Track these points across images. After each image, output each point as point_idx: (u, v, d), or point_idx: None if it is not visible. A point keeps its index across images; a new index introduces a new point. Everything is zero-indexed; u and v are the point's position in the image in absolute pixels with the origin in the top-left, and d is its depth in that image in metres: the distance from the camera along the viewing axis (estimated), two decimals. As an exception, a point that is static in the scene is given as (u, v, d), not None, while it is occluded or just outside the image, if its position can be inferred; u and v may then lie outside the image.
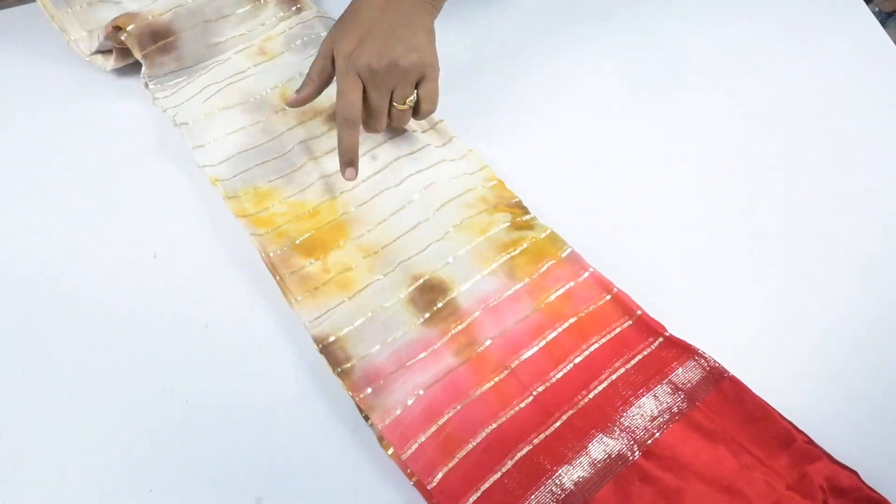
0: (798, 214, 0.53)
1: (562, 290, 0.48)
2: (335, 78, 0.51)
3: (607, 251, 0.50)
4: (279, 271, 0.49)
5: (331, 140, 0.57)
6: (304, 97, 0.52)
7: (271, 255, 0.50)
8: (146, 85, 0.60)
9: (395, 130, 0.57)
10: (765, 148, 0.57)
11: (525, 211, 0.53)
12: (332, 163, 0.55)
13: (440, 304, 0.47)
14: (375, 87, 0.50)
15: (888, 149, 0.57)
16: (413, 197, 0.53)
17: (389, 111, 0.52)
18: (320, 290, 0.48)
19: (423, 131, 0.58)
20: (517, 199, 0.54)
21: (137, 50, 0.59)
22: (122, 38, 0.59)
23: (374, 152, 0.56)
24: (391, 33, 0.50)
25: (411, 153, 0.56)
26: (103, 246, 0.51)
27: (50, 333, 0.47)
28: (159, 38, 0.60)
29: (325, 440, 0.43)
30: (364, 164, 0.54)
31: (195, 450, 0.43)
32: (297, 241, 0.51)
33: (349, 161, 0.51)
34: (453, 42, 0.62)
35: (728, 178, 0.55)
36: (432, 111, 0.53)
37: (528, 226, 0.52)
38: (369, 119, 0.52)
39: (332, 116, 0.58)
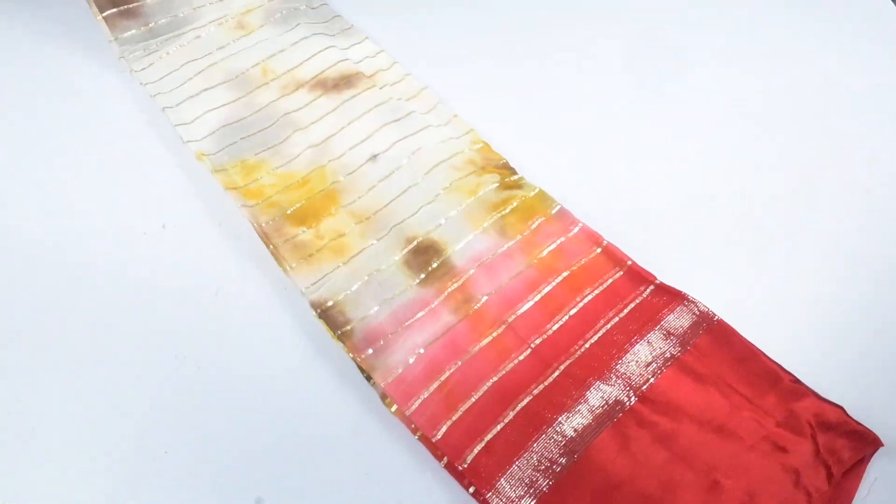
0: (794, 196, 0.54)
1: (553, 246, 0.49)
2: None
3: (596, 208, 0.51)
4: (272, 240, 0.49)
5: (314, 110, 0.57)
6: None
7: (263, 224, 0.50)
8: (121, 56, 0.59)
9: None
10: (764, 129, 0.58)
11: (513, 171, 0.54)
12: (319, 132, 0.55)
13: (435, 265, 0.48)
14: None
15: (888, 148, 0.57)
16: (401, 163, 0.53)
17: None
18: (315, 257, 0.48)
19: (408, 99, 0.58)
20: (504, 161, 0.54)
21: (96, 10, 0.59)
22: None
23: (360, 121, 0.56)
24: None
25: (396, 120, 0.56)
26: (113, 217, 0.51)
27: (62, 303, 0.47)
28: (120, 3, 0.60)
29: (330, 399, 0.44)
30: (350, 133, 0.55)
31: (208, 412, 0.43)
32: (289, 211, 0.51)
33: None
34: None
35: (724, 158, 0.56)
36: None
37: (517, 185, 0.53)
38: None
39: (315, 86, 0.58)
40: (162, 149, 0.55)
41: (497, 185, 0.52)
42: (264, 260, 0.49)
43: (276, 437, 0.42)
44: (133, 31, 0.60)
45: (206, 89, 0.58)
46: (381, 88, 0.59)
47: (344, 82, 0.59)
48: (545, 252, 0.49)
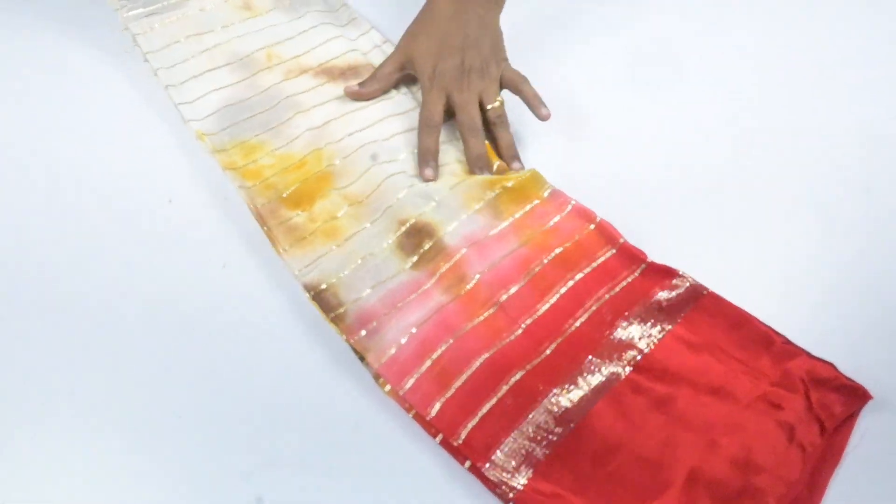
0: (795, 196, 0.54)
1: (547, 226, 0.50)
2: (421, 104, 0.55)
3: (589, 186, 0.52)
4: (267, 222, 0.50)
5: (318, 95, 0.58)
6: (367, 93, 0.57)
7: (259, 206, 0.51)
8: (118, 8, 0.60)
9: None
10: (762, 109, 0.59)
11: None
12: (320, 115, 0.56)
13: (427, 246, 0.48)
14: (461, 92, 0.54)
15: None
16: (399, 156, 0.54)
17: (484, 115, 0.54)
18: (307, 240, 0.49)
19: (415, 94, 0.59)
20: None
21: None
22: None
23: (363, 110, 0.57)
24: (466, 42, 0.54)
25: (402, 112, 0.57)
26: (120, 192, 0.53)
27: (69, 280, 0.48)
28: None
29: (326, 378, 0.45)
30: (351, 120, 0.56)
31: (216, 380, 0.44)
32: (284, 195, 0.52)
33: (427, 162, 0.53)
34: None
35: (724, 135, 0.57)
36: (525, 79, 0.55)
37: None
38: (468, 134, 0.53)
39: (320, 73, 0.59)
40: (167, 125, 0.57)
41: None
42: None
43: (274, 415, 0.43)
44: None
45: (209, 70, 0.58)
46: None
47: (351, 72, 0.59)
48: (538, 232, 0.49)
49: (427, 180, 0.52)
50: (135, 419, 0.42)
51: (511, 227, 0.50)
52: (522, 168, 0.53)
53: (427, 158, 0.53)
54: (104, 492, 0.40)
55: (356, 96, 0.57)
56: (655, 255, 0.48)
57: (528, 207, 0.51)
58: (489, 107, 0.54)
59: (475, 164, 0.53)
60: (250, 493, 0.40)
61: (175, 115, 0.56)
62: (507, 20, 0.57)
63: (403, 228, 0.49)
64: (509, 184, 0.52)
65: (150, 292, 0.47)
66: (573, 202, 0.51)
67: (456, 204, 0.51)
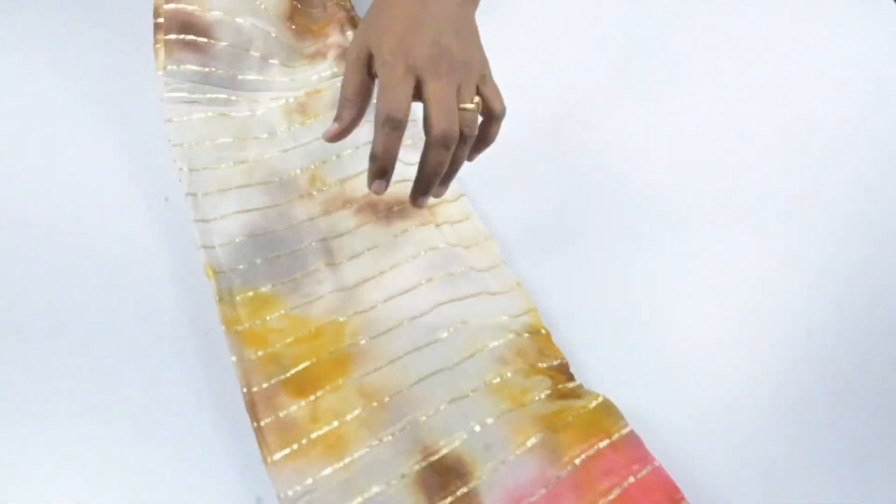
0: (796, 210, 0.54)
1: (615, 493, 0.37)
2: (378, 91, 0.40)
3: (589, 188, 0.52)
4: (259, 415, 0.39)
5: (355, 240, 0.48)
6: (344, 125, 0.42)
7: (255, 390, 0.40)
8: (168, 91, 0.51)
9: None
10: (763, 146, 0.57)
11: (570, 377, 0.43)
12: (352, 271, 0.46)
13: (459, 493, 0.37)
14: (438, 78, 0.39)
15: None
16: (440, 335, 0.43)
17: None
18: (302, 450, 0.38)
19: (467, 247, 0.48)
20: (561, 360, 0.44)
21: (162, 32, 0.51)
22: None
23: (405, 267, 0.46)
24: (442, 25, 0.40)
25: (450, 274, 0.46)
26: (116, 190, 0.51)
27: (66, 278, 0.46)
28: (190, 31, 0.52)
29: None
30: (389, 281, 0.45)
31: (215, 379, 0.43)
32: (289, 373, 0.41)
33: (381, 171, 0.40)
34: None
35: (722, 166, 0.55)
36: (504, 111, 0.42)
37: (574, 394, 0.41)
38: (439, 141, 0.39)
39: (364, 208, 0.49)
40: (163, 123, 0.53)
41: (548, 392, 0.41)
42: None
43: None
44: (190, 66, 0.52)
45: (241, 186, 0.49)
46: (438, 226, 0.49)
47: (398, 210, 0.49)
48: (602, 501, 0.37)
49: (376, 193, 0.40)
50: (134, 418, 0.42)
51: (569, 483, 0.37)
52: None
53: (382, 166, 0.40)
54: (104, 491, 0.39)
55: (335, 137, 0.42)
56: (655, 255, 0.49)
57: (592, 451, 0.39)
58: (461, 106, 0.40)
59: (429, 184, 0.41)
60: (250, 493, 0.39)
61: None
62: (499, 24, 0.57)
63: (429, 459, 0.38)
64: (570, 419, 0.40)
65: (146, 290, 0.46)
66: (656, 463, 0.38)
67: (500, 438, 0.39)
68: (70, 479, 0.39)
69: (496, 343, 0.43)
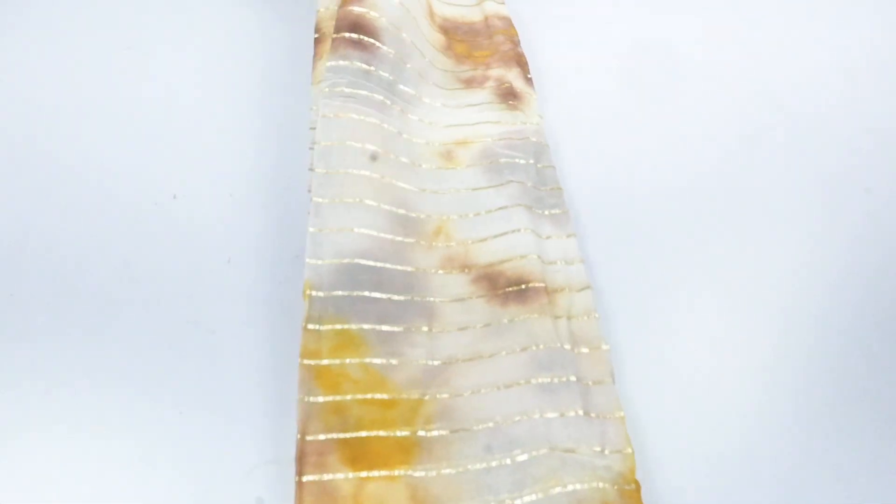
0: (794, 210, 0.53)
1: None
2: None
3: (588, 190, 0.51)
4: (304, 469, 0.36)
5: (460, 313, 0.43)
6: None
7: (309, 438, 0.37)
8: (331, 87, 0.49)
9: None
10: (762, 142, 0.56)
11: None
12: (449, 346, 0.42)
13: None
14: None
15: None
16: (518, 457, 0.38)
17: None
18: None
19: (580, 351, 0.43)
20: None
21: (324, 43, 0.51)
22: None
23: (505, 359, 0.41)
24: None
25: (553, 379, 0.40)
26: (123, 187, 0.50)
27: (75, 269, 0.46)
28: (360, 31, 0.51)
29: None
30: (485, 371, 0.41)
31: (217, 377, 0.43)
32: (349, 435, 0.37)
33: None
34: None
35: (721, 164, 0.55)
36: None
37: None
38: None
39: (480, 279, 0.45)
40: (173, 119, 0.54)
41: None
42: (278, 229, 0.48)
43: (275, 414, 0.41)
44: (357, 62, 0.50)
45: (371, 201, 0.45)
46: (555, 319, 0.43)
47: (515, 292, 0.44)
48: None
49: None
50: (136, 417, 0.41)
51: None
52: None
53: None
54: (104, 491, 0.39)
55: None
56: (654, 256, 0.49)
57: None
58: None
59: None
60: (250, 493, 0.39)
61: (179, 110, 0.54)
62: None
63: None
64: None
65: (153, 288, 0.46)
66: None
67: None
68: (69, 478, 0.39)
69: (577, 487, 0.37)
